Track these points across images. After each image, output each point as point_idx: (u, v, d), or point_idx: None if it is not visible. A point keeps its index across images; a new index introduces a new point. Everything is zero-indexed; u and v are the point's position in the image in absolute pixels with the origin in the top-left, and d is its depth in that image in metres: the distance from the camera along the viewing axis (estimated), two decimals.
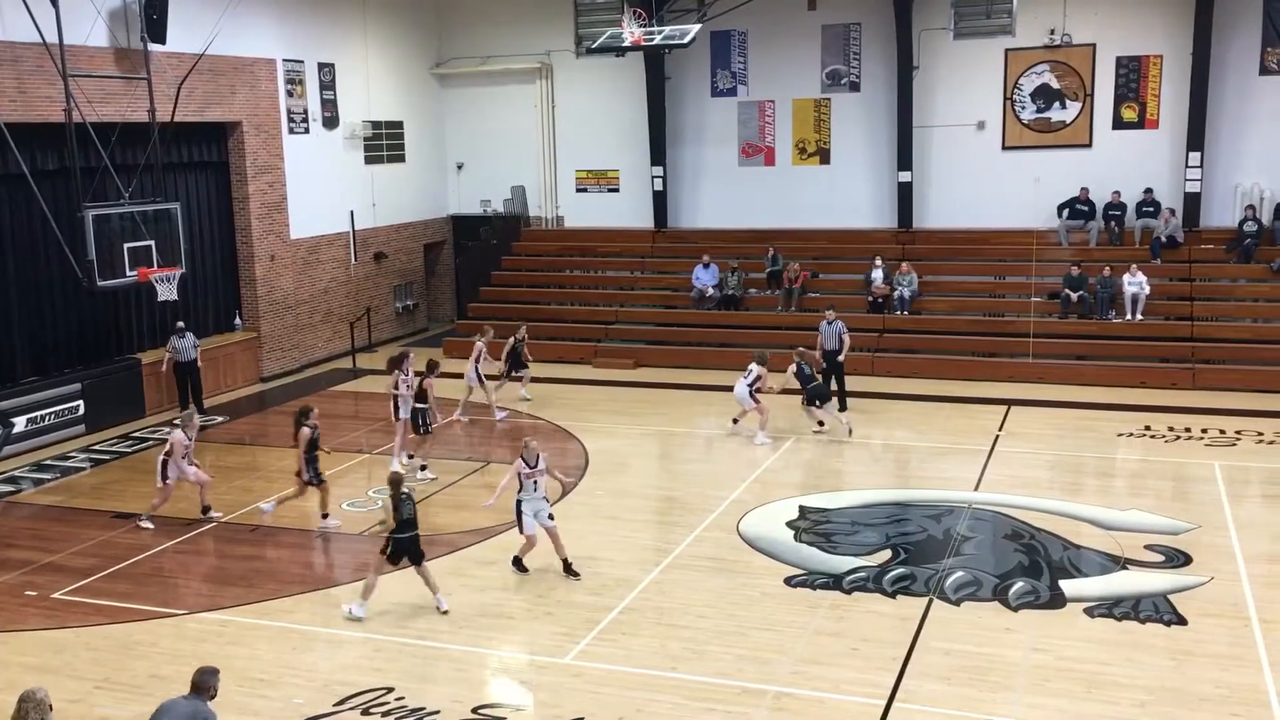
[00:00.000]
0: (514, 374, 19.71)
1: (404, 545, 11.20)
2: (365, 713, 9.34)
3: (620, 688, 9.69)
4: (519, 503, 12.05)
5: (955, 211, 24.35)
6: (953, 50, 23.18)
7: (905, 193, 24.41)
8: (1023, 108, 23.77)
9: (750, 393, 17.37)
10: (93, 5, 17.65)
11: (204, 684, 7.56)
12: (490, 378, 18.98)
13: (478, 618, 11.19)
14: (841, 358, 18.76)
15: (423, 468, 15.61)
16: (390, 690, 9.68)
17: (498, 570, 12.39)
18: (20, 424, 17.36)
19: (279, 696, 9.61)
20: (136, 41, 18.46)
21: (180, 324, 19.32)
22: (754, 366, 17.52)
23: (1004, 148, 23.97)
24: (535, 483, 12.00)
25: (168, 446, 13.89)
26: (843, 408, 18.86)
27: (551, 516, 12.19)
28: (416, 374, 15.80)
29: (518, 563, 12.26)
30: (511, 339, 19.80)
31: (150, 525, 13.87)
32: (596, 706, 9.38)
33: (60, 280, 17.99)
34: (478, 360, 18.74)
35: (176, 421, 14.56)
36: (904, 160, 24.18)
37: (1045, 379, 20.50)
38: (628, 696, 9.53)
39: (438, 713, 9.29)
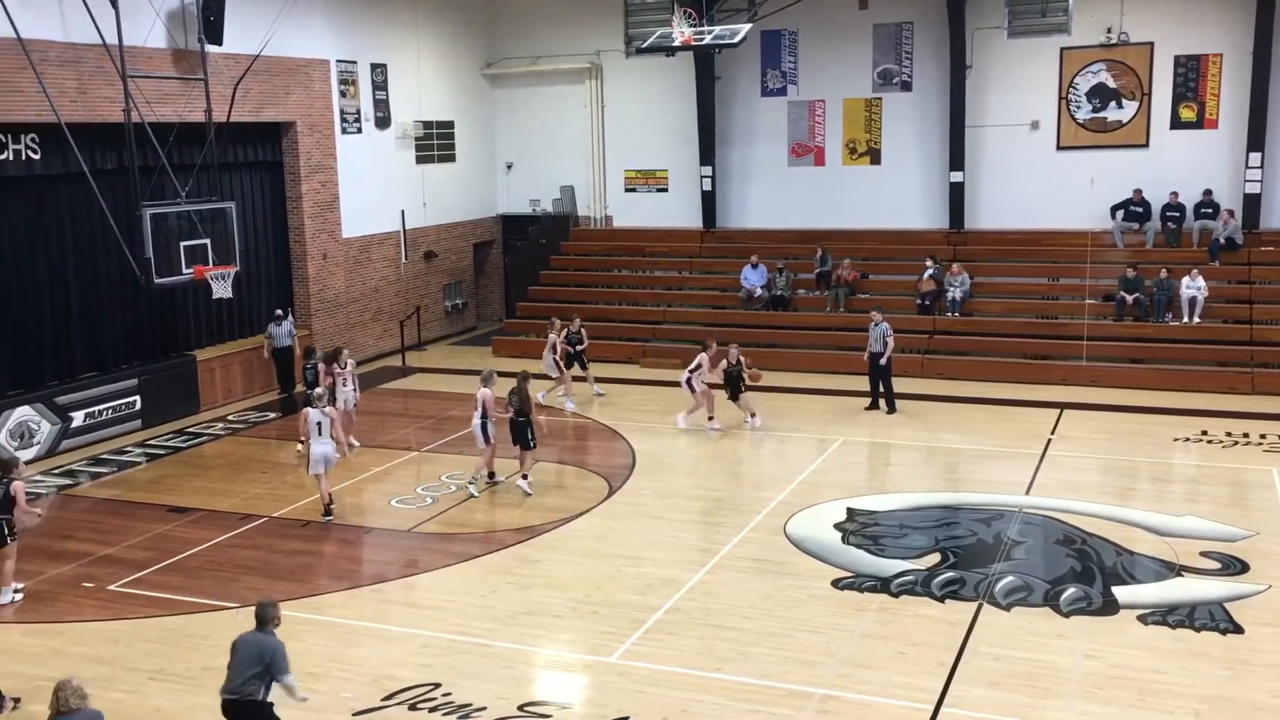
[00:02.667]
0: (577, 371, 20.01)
1: (513, 427, 14.85)
2: (413, 708, 9.41)
3: (665, 687, 9.68)
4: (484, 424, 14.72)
5: (1008, 212, 24.08)
6: (1007, 49, 22.93)
7: (957, 193, 24.18)
8: (1078, 107, 23.44)
9: (689, 381, 17.85)
10: (151, 7, 17.97)
11: (267, 616, 8.09)
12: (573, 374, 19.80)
13: (524, 615, 11.24)
14: (884, 360, 18.64)
15: (490, 475, 15.45)
16: (437, 686, 9.75)
17: (544, 568, 12.44)
18: (78, 418, 17.71)
19: (328, 690, 9.72)
20: (194, 43, 18.76)
21: (279, 311, 19.83)
22: (701, 356, 17.99)
23: (1058, 148, 23.65)
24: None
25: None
26: (891, 410, 18.78)
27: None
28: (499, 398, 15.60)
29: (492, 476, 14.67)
30: (565, 331, 19.91)
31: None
32: (641, 706, 9.38)
33: (118, 278, 18.30)
34: (553, 350, 19.42)
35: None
36: (956, 160, 23.94)
37: (1099, 382, 20.20)
38: (672, 696, 9.53)
39: (484, 709, 9.35)
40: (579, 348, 20.20)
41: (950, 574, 12.00)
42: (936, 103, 24.24)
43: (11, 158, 16.73)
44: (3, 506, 11.38)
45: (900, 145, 24.83)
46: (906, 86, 24.64)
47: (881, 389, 18.91)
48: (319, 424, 13.82)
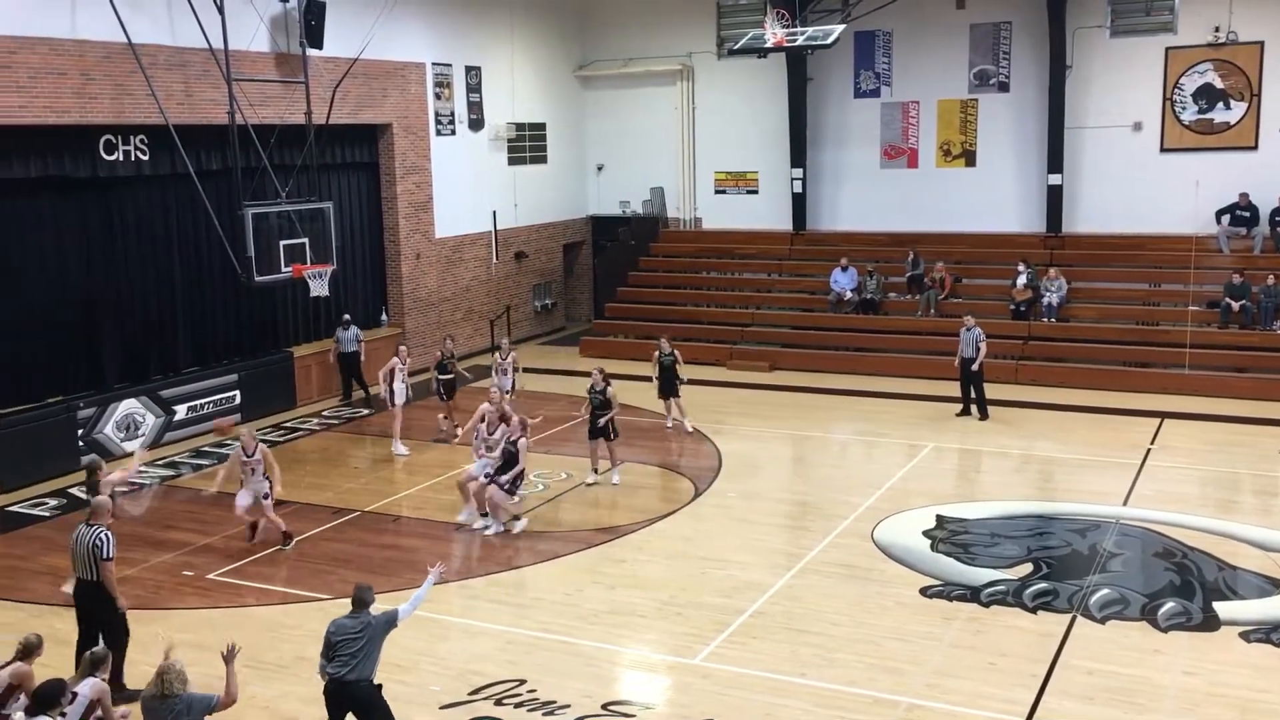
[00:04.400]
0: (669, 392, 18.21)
1: (592, 425, 15.20)
2: (498, 703, 9.52)
3: (749, 691, 9.64)
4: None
5: (1108, 216, 23.47)
6: (1109, 49, 22.38)
7: (1055, 196, 23.65)
8: (1183, 108, 22.75)
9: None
10: (255, 12, 18.46)
11: (365, 599, 8.32)
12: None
13: (609, 615, 11.29)
14: (976, 366, 18.32)
15: (594, 469, 15.71)
16: (523, 682, 9.84)
17: (629, 568, 12.48)
18: (181, 411, 18.27)
19: (416, 683, 9.88)
20: (295, 47, 19.23)
21: (346, 316, 20.09)
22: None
23: (1162, 150, 22.98)
24: (489, 448, 13.95)
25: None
26: (983, 416, 18.45)
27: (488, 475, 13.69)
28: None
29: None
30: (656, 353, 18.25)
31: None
32: (724, 709, 9.36)
33: (221, 276, 18.81)
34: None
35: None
36: (1054, 162, 23.42)
37: (1201, 391, 19.57)
38: (756, 700, 9.49)
39: (568, 707, 9.41)
40: (678, 373, 18.05)
41: (1043, 585, 11.74)
42: (1035, 104, 23.74)
43: (122, 158, 17.32)
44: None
45: (996, 147, 24.38)
46: (1004, 87, 24.18)
47: (973, 395, 18.60)
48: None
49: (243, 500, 13.28)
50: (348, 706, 8.19)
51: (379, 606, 8.45)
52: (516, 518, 13.75)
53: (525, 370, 19.48)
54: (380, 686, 8.25)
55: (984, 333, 18.51)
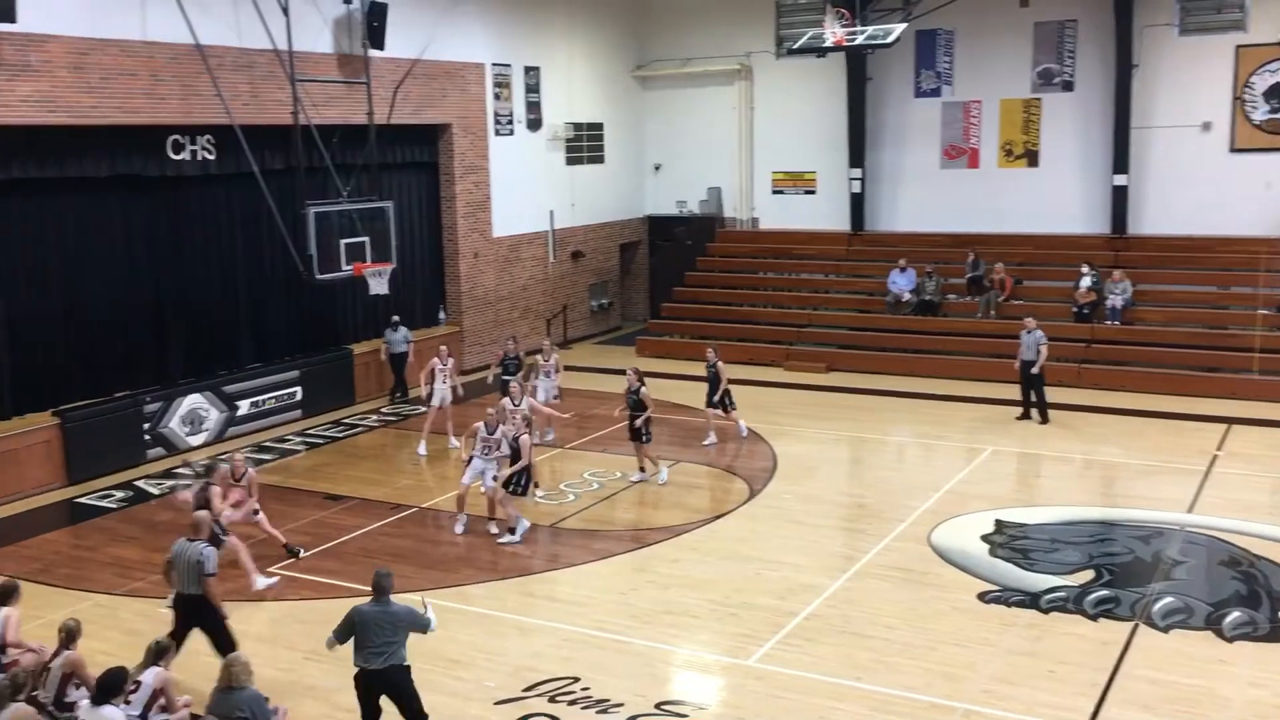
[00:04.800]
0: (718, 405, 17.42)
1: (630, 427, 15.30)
2: (552, 700, 9.56)
3: (803, 694, 9.59)
4: (473, 458, 13.69)
5: (1175, 217, 23.00)
6: (1177, 47, 21.91)
7: (1120, 197, 23.24)
8: (1254, 108, 22.23)
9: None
10: (319, 14, 18.72)
11: (385, 585, 8.48)
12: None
13: (663, 614, 11.29)
14: (1036, 369, 18.06)
15: (640, 469, 15.70)
16: (576, 680, 9.88)
17: (683, 568, 12.48)
18: (244, 407, 18.57)
19: (471, 678, 9.96)
20: (358, 48, 19.46)
21: (395, 318, 20.26)
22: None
23: (1232, 150, 22.49)
24: (488, 448, 13.57)
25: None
26: (1044, 420, 18.20)
27: (495, 477, 13.51)
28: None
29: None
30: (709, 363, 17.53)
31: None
32: (778, 711, 9.32)
33: (283, 273, 19.08)
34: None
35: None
36: (1120, 163, 23.01)
37: (1270, 396, 19.10)
38: (810, 703, 9.43)
39: (621, 705, 9.42)
40: (720, 390, 17.25)
41: (1104, 592, 11.55)
42: (1100, 103, 23.35)
43: (189, 158, 17.65)
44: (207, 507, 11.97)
45: (1060, 147, 24.01)
46: (1068, 86, 23.80)
47: (1034, 398, 18.34)
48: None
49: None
50: (380, 692, 8.41)
51: (399, 597, 8.62)
52: (512, 529, 13.47)
53: (567, 369, 19.37)
54: (409, 668, 8.46)
55: (1045, 335, 18.24)
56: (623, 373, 16.21)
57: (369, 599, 8.53)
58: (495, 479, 13.57)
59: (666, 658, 10.48)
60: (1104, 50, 23.06)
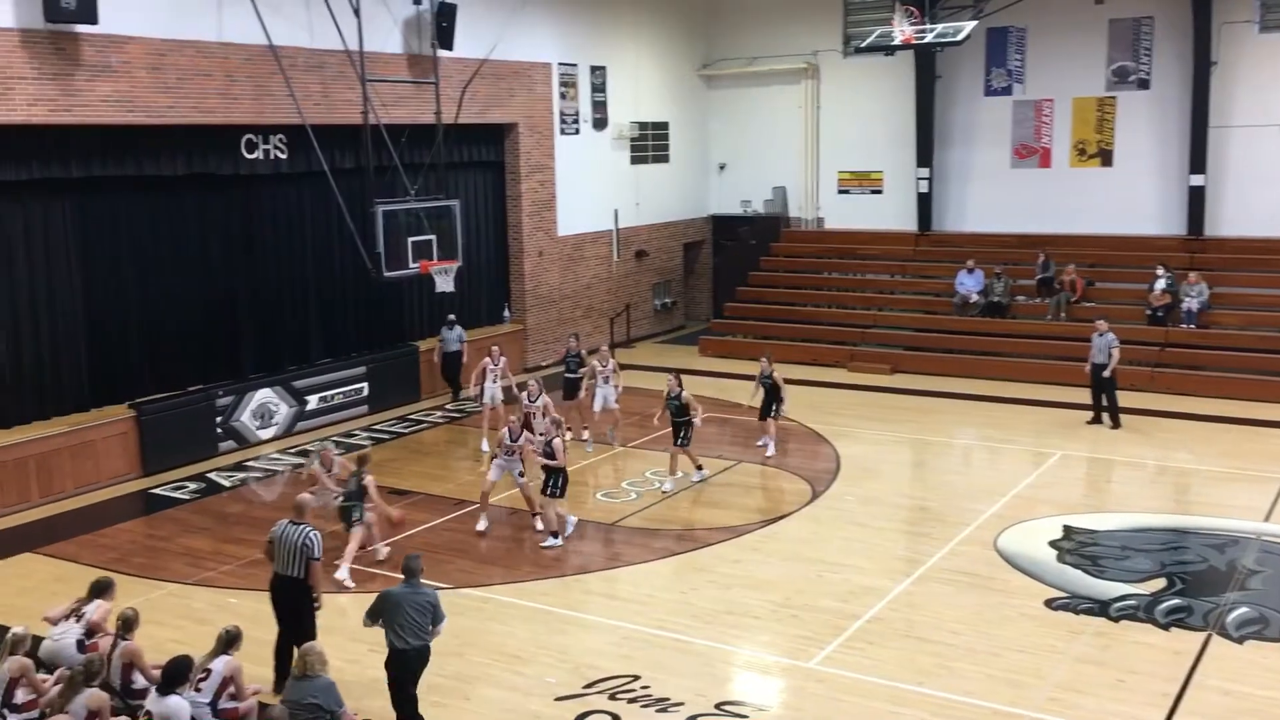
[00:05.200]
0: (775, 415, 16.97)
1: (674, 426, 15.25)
2: (612, 697, 9.59)
3: (864, 697, 9.52)
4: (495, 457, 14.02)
5: (1254, 219, 22.42)
6: (1258, 45, 21.41)
7: (1197, 197, 22.72)
8: None
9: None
10: (389, 15, 18.95)
11: (415, 568, 8.87)
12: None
13: (723, 614, 11.26)
14: (1108, 373, 17.72)
15: (698, 467, 15.71)
16: (637, 678, 9.89)
17: (744, 568, 12.44)
18: (312, 402, 18.86)
19: (532, 674, 10.02)
20: (427, 48, 19.68)
21: (451, 317, 20.41)
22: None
23: None
24: (509, 452, 13.77)
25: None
26: (1115, 424, 17.86)
27: (522, 474, 13.87)
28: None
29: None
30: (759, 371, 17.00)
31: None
32: (839, 713, 9.26)
33: (351, 271, 19.36)
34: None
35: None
36: (1197, 163, 22.50)
37: None
38: (871, 707, 9.36)
39: (681, 704, 9.42)
40: (779, 396, 16.75)
41: (1176, 601, 11.30)
42: (1176, 102, 22.84)
43: (262, 157, 17.98)
44: (357, 496, 12.46)
45: (1134, 146, 23.53)
46: (1144, 84, 23.32)
47: (1105, 402, 18.00)
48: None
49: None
50: (406, 668, 8.77)
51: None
52: (555, 533, 13.40)
53: (628, 367, 19.32)
54: (429, 652, 8.86)
55: (1117, 338, 17.89)
56: (686, 372, 16.19)
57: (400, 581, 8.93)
58: (522, 475, 13.84)
59: (727, 658, 10.46)
60: (1181, 48, 22.55)
